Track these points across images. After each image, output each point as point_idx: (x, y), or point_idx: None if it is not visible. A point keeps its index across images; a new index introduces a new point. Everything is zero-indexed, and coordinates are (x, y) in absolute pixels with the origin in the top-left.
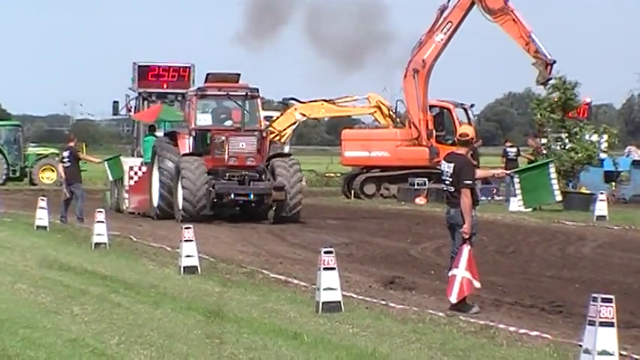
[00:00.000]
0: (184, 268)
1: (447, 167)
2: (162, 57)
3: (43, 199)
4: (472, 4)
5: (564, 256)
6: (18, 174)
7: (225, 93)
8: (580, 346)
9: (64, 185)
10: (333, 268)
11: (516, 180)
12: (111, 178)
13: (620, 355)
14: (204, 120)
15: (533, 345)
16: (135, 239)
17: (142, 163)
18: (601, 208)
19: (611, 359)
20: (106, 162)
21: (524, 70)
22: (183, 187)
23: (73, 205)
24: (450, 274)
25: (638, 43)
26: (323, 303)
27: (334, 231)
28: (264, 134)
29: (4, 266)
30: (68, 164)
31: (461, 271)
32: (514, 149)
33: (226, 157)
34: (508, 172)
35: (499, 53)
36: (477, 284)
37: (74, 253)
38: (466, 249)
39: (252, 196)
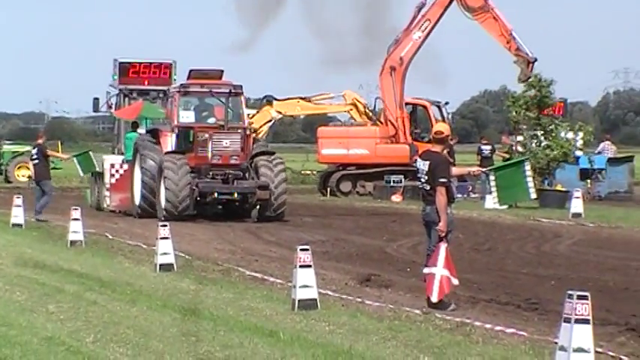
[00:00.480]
0: (160, 265)
1: (423, 165)
2: (143, 54)
3: (18, 197)
4: (451, 1)
5: (540, 253)
6: None
7: (208, 90)
8: (556, 343)
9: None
10: (309, 266)
11: (492, 178)
12: (81, 174)
13: (596, 352)
14: (186, 117)
15: (509, 342)
16: (111, 237)
17: (123, 161)
18: (576, 205)
19: (587, 356)
20: (74, 158)
21: (500, 68)
22: (165, 187)
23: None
24: (426, 271)
25: (614, 41)
26: (299, 300)
27: (310, 229)
28: (247, 132)
29: None
30: (37, 161)
31: (439, 270)
32: (489, 147)
33: (210, 155)
34: (484, 169)
35: (475, 51)
36: (455, 281)
37: (50, 251)
38: (443, 247)
39: (236, 195)
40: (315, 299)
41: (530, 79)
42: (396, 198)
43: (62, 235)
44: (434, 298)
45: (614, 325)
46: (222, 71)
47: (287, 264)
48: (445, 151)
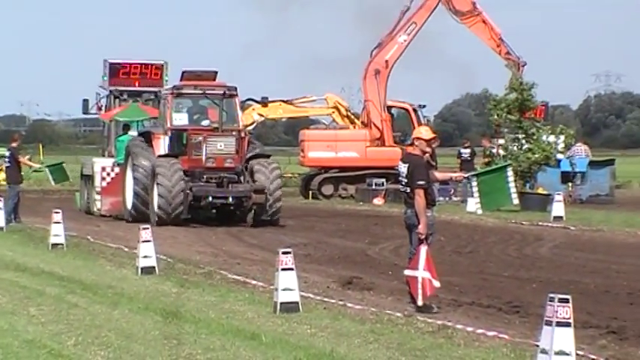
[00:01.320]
0: (142, 268)
1: (403, 168)
2: (129, 55)
3: None
4: (437, 4)
5: (521, 256)
6: None
7: (202, 91)
8: (537, 346)
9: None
10: (291, 269)
11: (474, 183)
12: (53, 184)
13: (577, 355)
14: (180, 119)
15: (491, 345)
16: (92, 240)
17: (114, 164)
18: (558, 208)
19: (568, 359)
20: (47, 168)
21: (482, 71)
22: (158, 192)
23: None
24: (407, 273)
25: (595, 45)
26: (281, 303)
27: (292, 231)
28: (242, 134)
29: None
30: (8, 164)
31: (421, 272)
32: (468, 150)
33: (204, 158)
34: (466, 175)
35: (458, 53)
36: (437, 283)
37: (31, 254)
38: (423, 249)
39: (231, 199)
40: (297, 302)
41: (521, 82)
42: (378, 201)
43: (44, 238)
44: (419, 302)
45: (596, 327)
46: (216, 72)
47: (269, 267)
48: (427, 155)
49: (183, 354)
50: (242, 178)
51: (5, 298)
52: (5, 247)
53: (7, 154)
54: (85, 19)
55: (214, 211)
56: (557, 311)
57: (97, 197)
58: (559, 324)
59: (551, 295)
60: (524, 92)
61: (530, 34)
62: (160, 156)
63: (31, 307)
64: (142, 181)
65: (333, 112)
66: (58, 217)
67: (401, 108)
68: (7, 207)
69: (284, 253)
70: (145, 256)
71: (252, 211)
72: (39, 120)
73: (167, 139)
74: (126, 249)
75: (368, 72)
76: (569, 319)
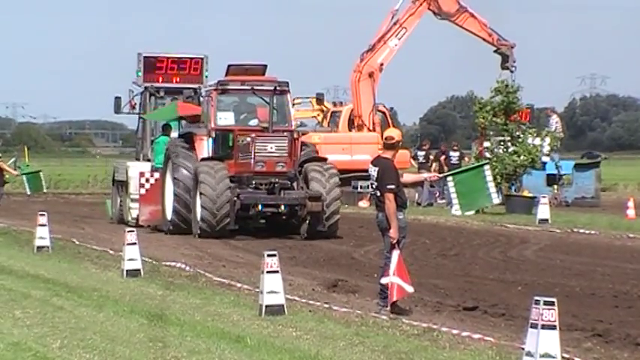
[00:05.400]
0: (127, 271)
1: (373, 171)
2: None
3: None
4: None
5: (507, 258)
6: None
7: (249, 87)
8: (522, 349)
9: None
10: (277, 272)
11: (451, 184)
12: (28, 192)
13: (563, 357)
14: (225, 119)
15: (476, 348)
16: (78, 242)
17: (152, 168)
18: (543, 211)
19: None
20: (24, 176)
21: (467, 73)
22: (201, 200)
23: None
24: (384, 282)
25: (580, 48)
26: (266, 306)
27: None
28: (295, 135)
29: None
30: None
31: (390, 277)
32: (457, 153)
33: (252, 162)
34: (440, 175)
35: (439, 53)
36: (410, 288)
37: (16, 257)
38: (395, 254)
39: (283, 208)
40: (283, 305)
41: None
42: (363, 203)
43: (29, 241)
44: (387, 306)
45: (581, 330)
46: (266, 66)
47: (254, 270)
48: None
49: (168, 357)
50: (295, 184)
51: None
52: None
53: None
54: (67, 21)
55: (264, 221)
56: (542, 314)
57: (134, 205)
58: (544, 327)
59: (537, 297)
60: (510, 95)
61: (514, 36)
62: (202, 159)
63: (16, 309)
64: (183, 188)
65: (319, 115)
66: (43, 219)
67: (378, 110)
68: None
69: (269, 255)
70: (131, 259)
71: (307, 221)
72: (24, 123)
73: (211, 140)
74: (111, 252)
75: (362, 74)
76: (554, 321)
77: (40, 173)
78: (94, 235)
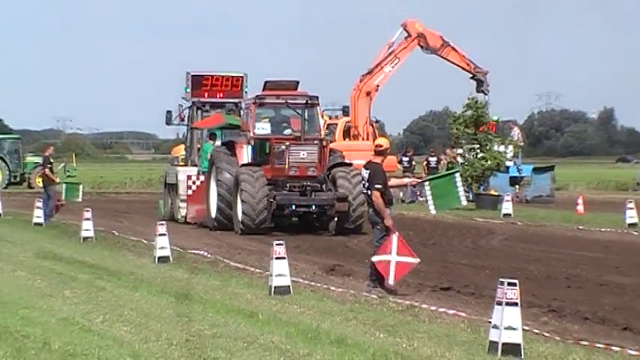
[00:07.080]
0: (158, 258)
1: (365, 173)
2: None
3: (39, 201)
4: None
5: (477, 247)
6: (18, 179)
7: (284, 101)
8: (490, 322)
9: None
10: (284, 258)
11: (427, 188)
12: (63, 199)
13: (523, 330)
14: (262, 129)
15: (451, 321)
16: (117, 234)
17: (198, 172)
18: (507, 207)
19: (516, 333)
20: (64, 184)
21: (443, 92)
22: (242, 200)
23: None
24: (374, 260)
25: (538, 68)
26: (275, 287)
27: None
28: (324, 143)
29: (6, 257)
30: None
31: (394, 257)
32: (434, 158)
33: (287, 166)
34: (419, 180)
35: (421, 76)
36: (416, 260)
37: (65, 246)
38: (394, 237)
39: (314, 208)
40: (289, 286)
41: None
42: None
43: (76, 233)
44: (390, 281)
45: (539, 307)
46: (298, 82)
47: (265, 256)
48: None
49: (192, 329)
50: (325, 187)
51: (44, 283)
52: (44, 240)
53: (41, 161)
54: (103, 42)
55: (296, 219)
56: (506, 293)
57: (182, 205)
58: (508, 304)
59: (501, 279)
60: (479, 110)
61: (480, 57)
62: (243, 165)
63: (66, 290)
64: (225, 190)
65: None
66: (88, 214)
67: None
68: (47, 207)
69: (277, 244)
70: (161, 247)
71: (335, 219)
72: (72, 133)
73: (250, 148)
74: (145, 241)
75: (361, 93)
76: (516, 299)
77: (80, 185)
78: (131, 227)
